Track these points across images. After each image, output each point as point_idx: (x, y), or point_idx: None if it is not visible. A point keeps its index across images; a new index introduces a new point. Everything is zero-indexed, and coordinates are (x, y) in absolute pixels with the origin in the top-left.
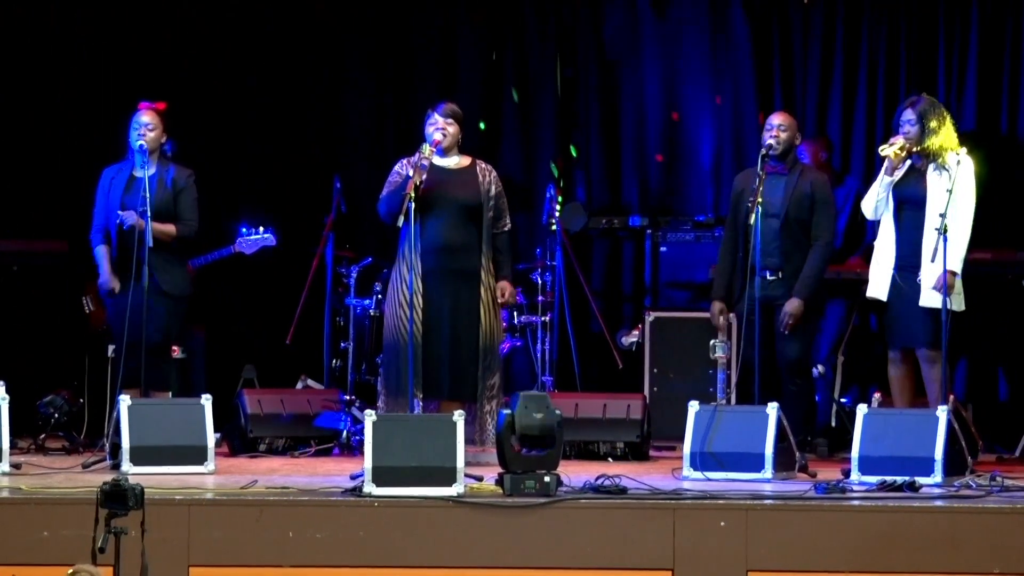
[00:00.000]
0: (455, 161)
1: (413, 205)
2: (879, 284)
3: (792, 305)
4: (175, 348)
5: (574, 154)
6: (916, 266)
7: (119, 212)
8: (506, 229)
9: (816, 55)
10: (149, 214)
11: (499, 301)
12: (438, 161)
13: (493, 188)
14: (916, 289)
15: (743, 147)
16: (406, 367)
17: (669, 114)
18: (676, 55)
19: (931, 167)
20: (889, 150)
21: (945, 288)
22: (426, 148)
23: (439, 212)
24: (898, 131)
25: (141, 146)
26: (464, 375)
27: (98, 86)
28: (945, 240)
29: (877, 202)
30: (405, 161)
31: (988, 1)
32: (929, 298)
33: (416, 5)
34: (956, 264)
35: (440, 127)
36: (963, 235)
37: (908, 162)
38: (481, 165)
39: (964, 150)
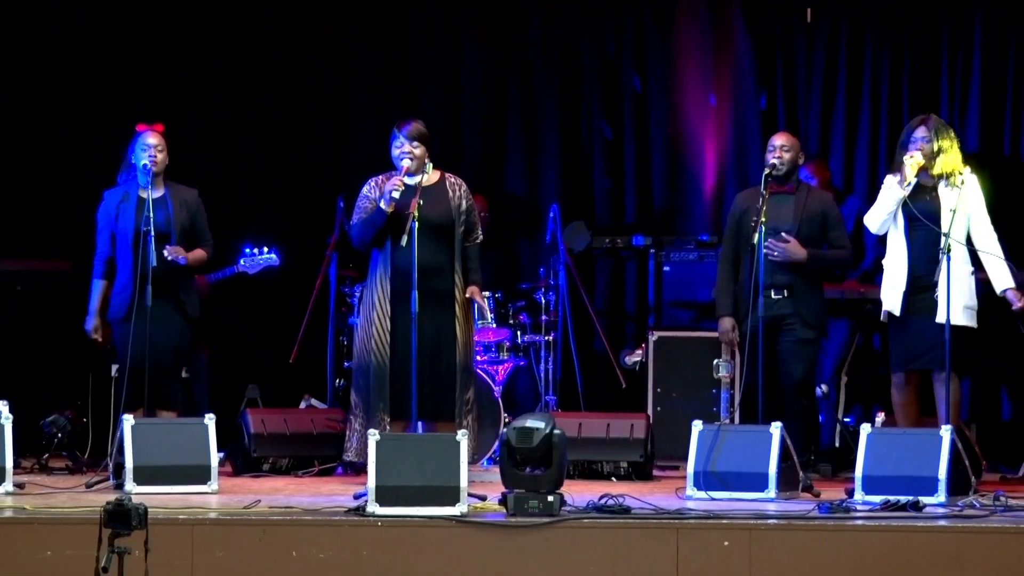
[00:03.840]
0: (424, 179)
1: (416, 224)
2: (893, 299)
3: (795, 246)
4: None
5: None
6: (931, 285)
7: (168, 248)
8: (477, 242)
9: (819, 75)
10: (153, 235)
11: (472, 299)
12: (406, 180)
13: (464, 203)
14: (932, 309)
15: (746, 167)
16: (377, 390)
17: (672, 134)
18: (679, 74)
19: (942, 184)
20: (910, 161)
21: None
22: (398, 180)
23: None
24: (908, 148)
25: (145, 167)
26: (444, 395)
27: (100, 106)
28: (949, 260)
29: (885, 217)
30: (373, 183)
31: (991, 23)
32: (943, 314)
33: (420, 26)
34: (1009, 280)
35: (407, 151)
36: (998, 250)
37: (915, 179)
38: (450, 179)
39: (968, 169)
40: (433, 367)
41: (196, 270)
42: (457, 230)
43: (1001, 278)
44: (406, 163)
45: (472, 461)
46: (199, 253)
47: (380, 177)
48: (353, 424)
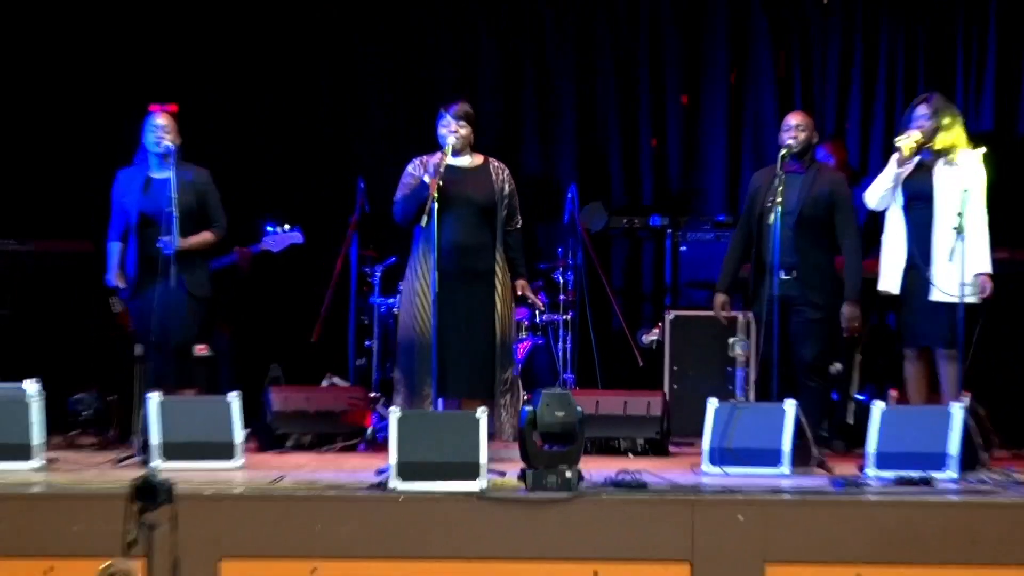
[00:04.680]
0: (468, 160)
1: (436, 205)
2: (891, 279)
3: (849, 310)
4: (202, 347)
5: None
6: (928, 263)
7: (162, 239)
8: (518, 226)
9: (835, 56)
10: (176, 215)
11: (521, 294)
12: (452, 161)
13: (507, 187)
14: (925, 287)
15: (762, 148)
16: (422, 366)
17: (688, 114)
18: (695, 56)
19: (940, 163)
20: (905, 141)
21: (981, 289)
22: (443, 156)
23: (454, 212)
24: (910, 126)
25: (168, 147)
26: (483, 373)
27: (121, 87)
28: (962, 240)
29: (883, 193)
30: (418, 161)
31: (1006, 2)
32: (939, 293)
33: (434, 5)
34: (987, 264)
35: (453, 130)
36: (984, 233)
37: (917, 157)
38: (494, 163)
39: (983, 150)
40: (472, 345)
41: (201, 252)
42: (500, 213)
43: (979, 260)
44: (451, 139)
45: (492, 437)
46: (205, 236)
47: (425, 156)
48: (396, 400)
